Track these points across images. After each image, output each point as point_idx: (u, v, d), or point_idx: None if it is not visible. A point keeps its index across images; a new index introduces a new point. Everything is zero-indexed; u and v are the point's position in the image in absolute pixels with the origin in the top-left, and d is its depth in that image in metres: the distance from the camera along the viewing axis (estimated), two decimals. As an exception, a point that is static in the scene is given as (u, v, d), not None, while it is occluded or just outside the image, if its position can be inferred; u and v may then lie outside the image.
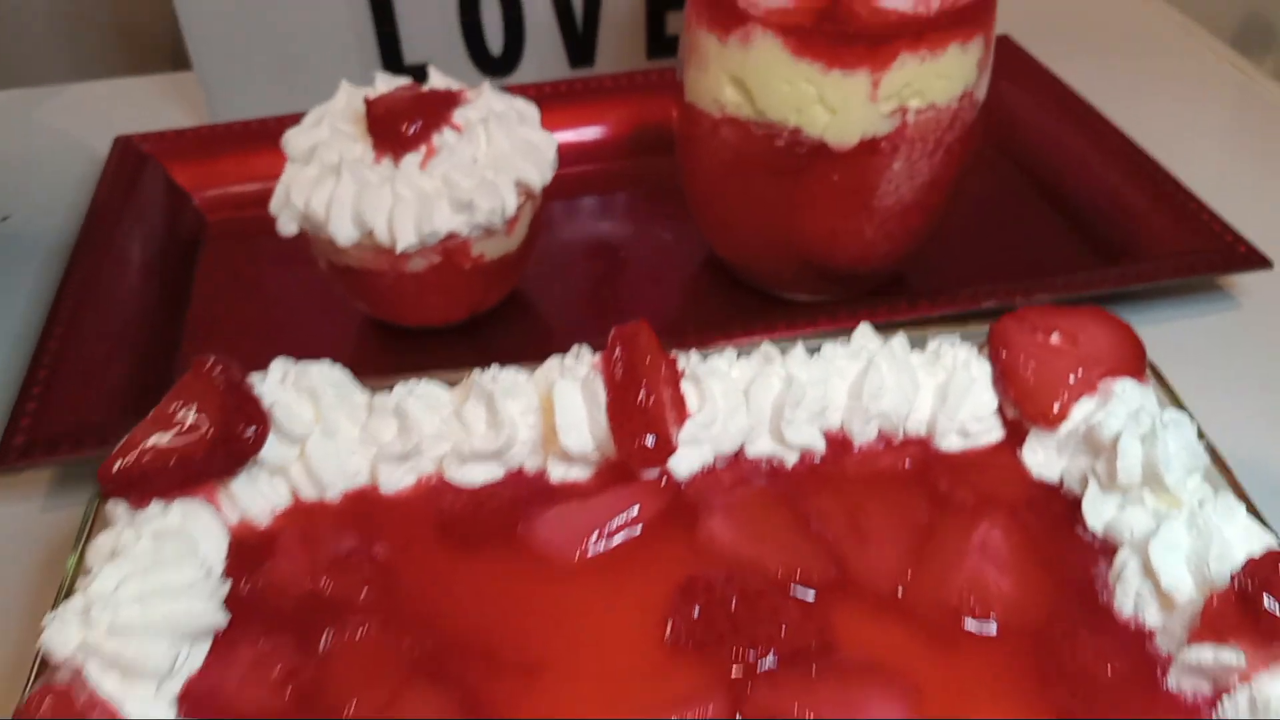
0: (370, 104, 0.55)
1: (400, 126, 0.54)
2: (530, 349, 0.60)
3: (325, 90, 0.78)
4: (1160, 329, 0.58)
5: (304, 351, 0.60)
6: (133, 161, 0.72)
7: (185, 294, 0.66)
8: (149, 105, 0.85)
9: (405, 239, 0.53)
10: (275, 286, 0.66)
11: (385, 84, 0.59)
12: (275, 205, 0.56)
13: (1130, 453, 0.38)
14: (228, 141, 0.74)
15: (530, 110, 0.60)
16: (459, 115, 0.56)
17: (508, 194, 0.55)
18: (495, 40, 0.80)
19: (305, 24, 0.77)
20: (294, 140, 0.57)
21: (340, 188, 0.54)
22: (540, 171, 0.56)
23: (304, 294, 0.64)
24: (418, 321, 0.61)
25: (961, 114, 0.54)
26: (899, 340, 0.44)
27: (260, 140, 0.72)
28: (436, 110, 0.56)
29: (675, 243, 0.69)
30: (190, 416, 0.37)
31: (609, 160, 0.76)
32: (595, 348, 0.59)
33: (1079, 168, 0.70)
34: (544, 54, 0.81)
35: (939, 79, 0.52)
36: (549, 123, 0.74)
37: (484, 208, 0.54)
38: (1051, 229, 0.68)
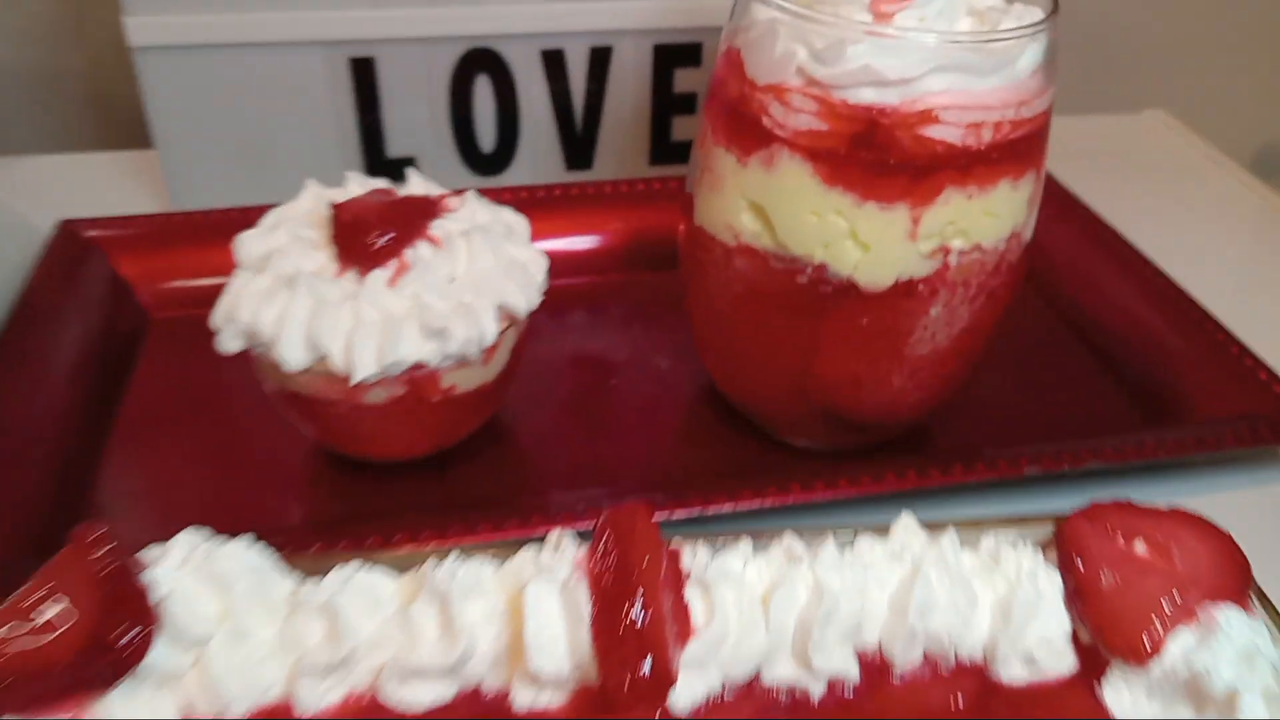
0: (337, 210, 0.48)
1: (368, 237, 0.47)
2: (504, 490, 0.53)
3: (299, 182, 0.72)
4: (1213, 501, 0.51)
5: (242, 483, 0.53)
6: (75, 247, 0.65)
7: (113, 405, 0.58)
8: (107, 184, 0.78)
9: (364, 368, 0.45)
10: (218, 401, 0.58)
11: (358, 186, 0.52)
12: (218, 317, 0.49)
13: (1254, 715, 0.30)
14: (182, 232, 0.67)
15: (519, 223, 0.53)
16: (437, 227, 0.50)
17: (487, 320, 0.47)
18: (487, 137, 0.74)
19: (283, 106, 0.70)
20: (247, 245, 0.50)
21: (294, 304, 0.46)
22: (527, 295, 0.49)
23: (251, 412, 0.56)
24: (375, 455, 0.53)
25: (1008, 255, 0.48)
26: (949, 540, 0.36)
27: (218, 232, 0.64)
28: (412, 220, 0.49)
29: (673, 371, 0.62)
30: (55, 610, 0.29)
31: (604, 273, 0.69)
32: (577, 488, 0.53)
33: (1118, 309, 0.63)
34: (539, 155, 0.75)
35: (986, 217, 0.45)
36: (541, 229, 0.68)
37: (458, 336, 0.46)
38: (1088, 375, 0.62)
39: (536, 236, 0.67)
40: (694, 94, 0.75)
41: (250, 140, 0.71)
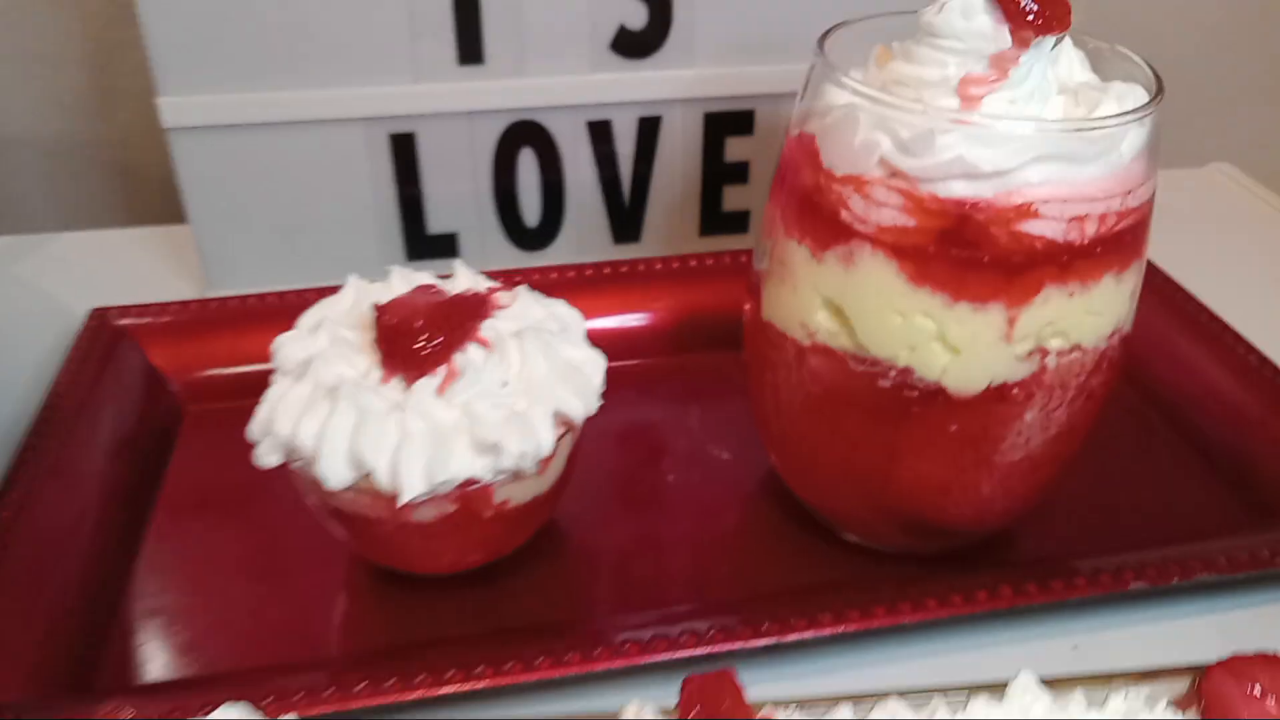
0: (380, 312, 0.45)
1: (414, 342, 0.44)
2: (558, 605, 0.49)
3: (338, 259, 0.70)
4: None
5: (280, 597, 0.49)
6: (107, 336, 0.63)
7: (145, 511, 0.55)
8: (140, 263, 0.76)
9: (411, 488, 0.42)
10: (255, 503, 0.55)
11: (401, 282, 0.49)
12: (255, 430, 0.45)
13: None
14: (218, 319, 0.64)
15: (574, 319, 0.50)
16: (488, 328, 0.46)
17: (543, 430, 0.44)
18: (532, 211, 0.71)
19: (321, 185, 0.68)
20: (285, 350, 0.47)
21: (335, 416, 0.43)
22: (584, 400, 0.46)
23: (290, 515, 0.53)
24: (421, 570, 0.49)
25: (1109, 353, 0.44)
26: (1077, 705, 0.32)
27: (255, 320, 0.63)
28: (460, 321, 0.46)
29: (733, 462, 0.58)
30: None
31: (656, 355, 0.66)
32: (637, 602, 0.49)
33: (1215, 395, 0.59)
34: (585, 228, 0.72)
35: (1088, 316, 0.42)
36: (590, 307, 0.65)
37: (513, 450, 0.43)
38: (1185, 467, 0.57)
39: (584, 316, 0.66)
40: (746, 162, 0.71)
41: (288, 219, 0.69)
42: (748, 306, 0.50)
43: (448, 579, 0.50)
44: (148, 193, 0.93)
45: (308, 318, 0.49)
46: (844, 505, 0.50)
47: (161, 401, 0.62)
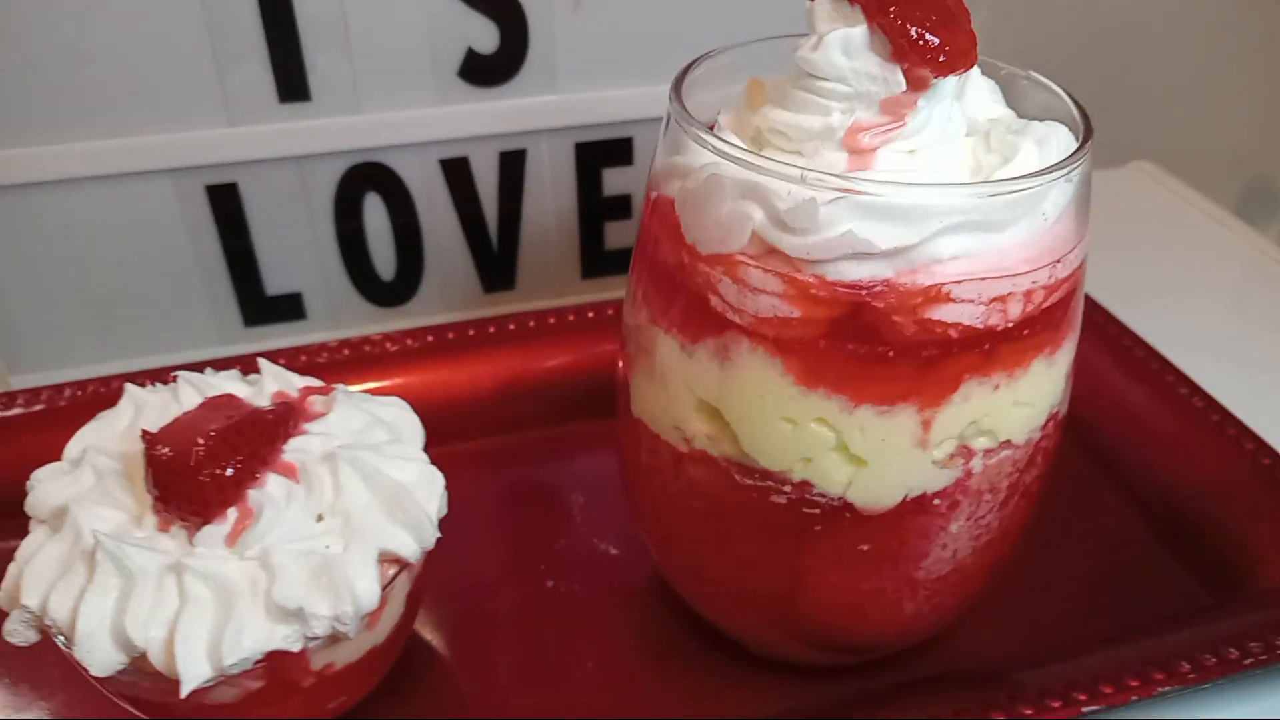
0: (149, 441, 0.36)
1: (194, 483, 0.35)
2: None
3: (166, 332, 0.60)
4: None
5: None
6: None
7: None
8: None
9: (194, 673, 0.33)
10: (59, 659, 0.45)
11: (190, 390, 0.40)
12: (3, 598, 0.36)
13: None
14: (14, 423, 0.54)
15: (407, 425, 0.41)
16: (294, 449, 0.37)
17: (363, 581, 0.35)
18: (385, 263, 0.62)
19: (133, 247, 0.58)
20: (39, 491, 0.38)
21: (94, 585, 0.34)
22: (418, 533, 0.37)
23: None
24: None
25: (1043, 443, 0.36)
26: None
27: (58, 419, 0.53)
28: (256, 446, 0.37)
29: (622, 559, 0.50)
30: None
31: (535, 427, 0.57)
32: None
33: (1155, 441, 0.52)
34: (450, 278, 0.63)
35: (1017, 409, 0.34)
36: (453, 374, 0.57)
37: (323, 614, 0.34)
38: (1132, 533, 0.50)
39: (449, 384, 0.57)
40: (628, 195, 0.63)
41: (101, 290, 0.59)
42: (619, 389, 0.41)
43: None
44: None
45: (73, 445, 0.40)
46: (744, 624, 0.42)
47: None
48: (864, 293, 0.31)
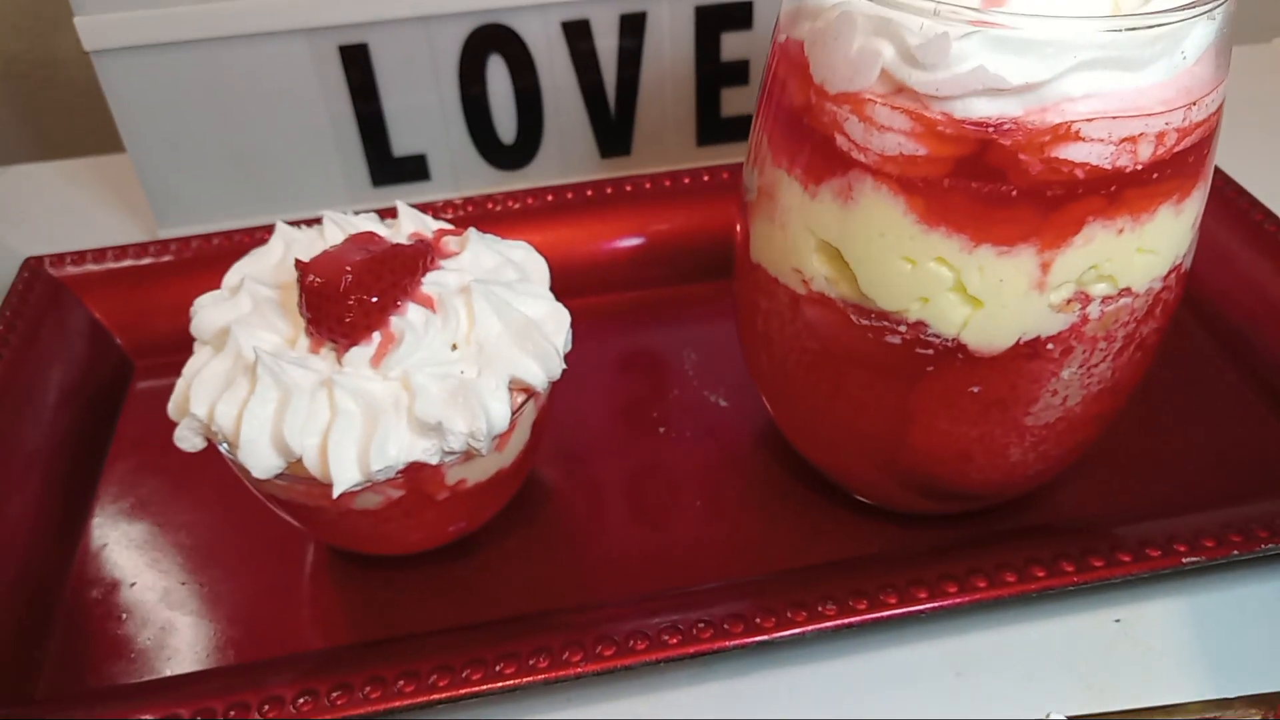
0: (303, 271, 0.39)
1: (343, 307, 0.38)
2: (544, 579, 0.44)
3: (299, 189, 0.63)
4: None
5: (239, 583, 0.45)
6: (44, 289, 0.57)
7: (91, 483, 0.50)
8: (86, 197, 0.70)
9: (345, 477, 0.36)
10: (210, 475, 0.49)
11: (335, 228, 0.43)
12: (173, 409, 0.40)
13: None
14: (165, 267, 0.58)
15: (535, 266, 0.44)
16: (431, 283, 0.40)
17: (496, 404, 0.38)
18: (507, 127, 0.63)
19: (269, 107, 0.61)
20: (203, 315, 0.41)
21: (257, 395, 0.37)
22: (545, 364, 0.40)
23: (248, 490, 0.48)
24: (383, 552, 0.44)
25: (1164, 295, 0.36)
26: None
27: (206, 264, 0.57)
28: (397, 277, 0.39)
29: (732, 410, 0.52)
30: None
31: (649, 286, 0.59)
32: (629, 577, 0.43)
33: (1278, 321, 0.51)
34: (569, 143, 0.64)
35: (1140, 255, 0.34)
36: (572, 234, 0.59)
37: (460, 430, 0.37)
38: (1246, 408, 0.50)
39: (568, 243, 0.59)
40: (746, 61, 0.63)
41: (238, 147, 0.62)
42: (737, 241, 0.43)
43: (418, 556, 0.45)
44: (86, 122, 0.86)
45: (232, 273, 0.43)
46: (852, 468, 0.44)
47: (109, 360, 0.57)
48: (991, 130, 0.31)
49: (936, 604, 0.38)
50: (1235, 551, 0.39)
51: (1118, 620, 0.41)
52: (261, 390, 0.37)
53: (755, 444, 0.50)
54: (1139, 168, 0.32)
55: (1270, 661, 0.39)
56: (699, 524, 0.46)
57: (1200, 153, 0.34)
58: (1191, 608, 0.41)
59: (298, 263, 0.39)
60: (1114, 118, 0.31)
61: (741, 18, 0.61)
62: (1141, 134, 0.32)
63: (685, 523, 0.46)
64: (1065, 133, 0.31)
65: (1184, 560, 0.39)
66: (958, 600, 0.38)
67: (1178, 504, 0.44)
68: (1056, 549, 0.40)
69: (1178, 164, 0.33)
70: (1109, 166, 0.32)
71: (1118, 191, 0.32)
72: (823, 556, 0.44)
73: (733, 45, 0.62)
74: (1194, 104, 0.32)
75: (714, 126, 0.65)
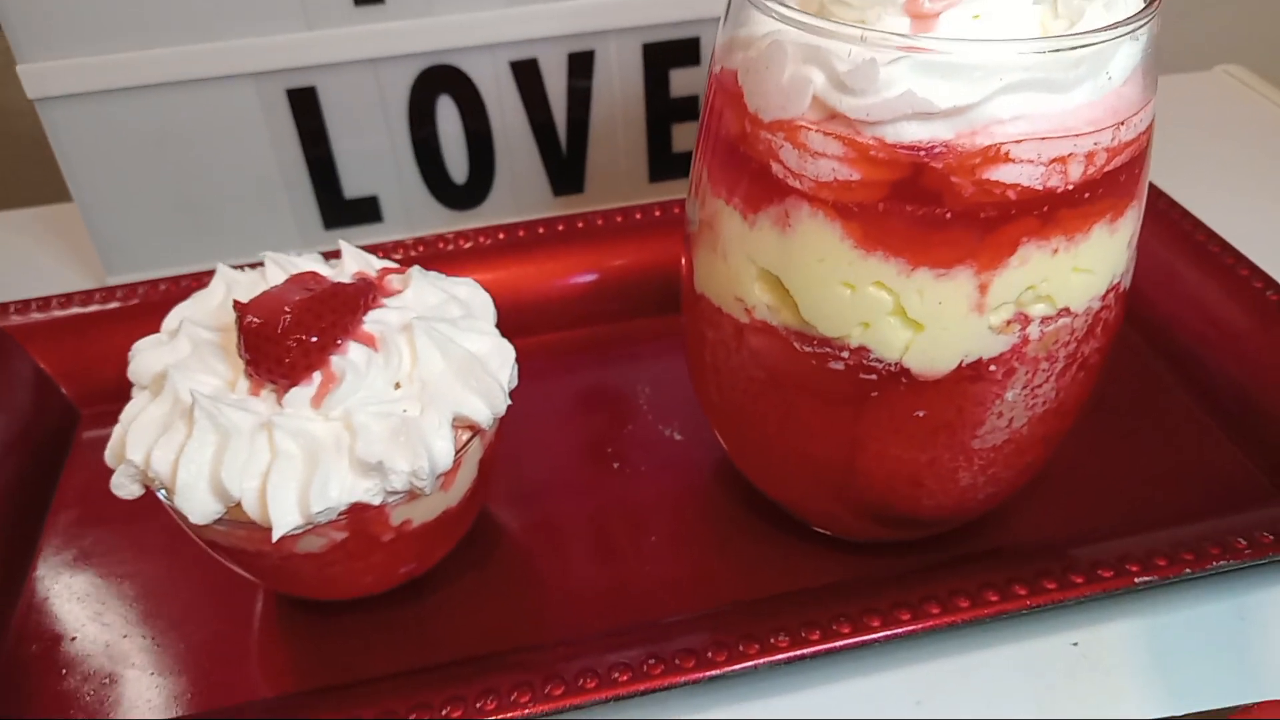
0: (241, 311, 0.38)
1: (282, 348, 0.37)
2: (496, 620, 0.43)
3: (250, 234, 0.63)
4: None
5: (186, 630, 0.44)
6: (-14, 340, 0.56)
7: (36, 529, 0.49)
8: (33, 246, 0.69)
9: (285, 520, 0.36)
10: (156, 523, 0.48)
11: (277, 270, 0.42)
12: (110, 455, 0.39)
13: None
14: (111, 314, 0.57)
15: (479, 302, 0.43)
16: (373, 320, 0.39)
17: (439, 441, 0.37)
18: (458, 166, 0.63)
19: (218, 152, 0.60)
20: (140, 359, 0.40)
21: (193, 441, 0.37)
22: (490, 400, 0.39)
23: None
24: (331, 596, 0.43)
25: (1104, 314, 0.37)
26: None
27: (154, 310, 0.55)
28: (338, 316, 0.39)
29: (686, 444, 0.51)
30: None
31: (602, 322, 0.59)
32: (584, 615, 0.42)
33: (1228, 341, 0.52)
34: (521, 181, 0.65)
35: (1076, 274, 0.35)
36: (525, 271, 0.58)
37: (401, 469, 0.36)
38: (1194, 426, 0.50)
39: (522, 281, 0.59)
40: (695, 97, 0.64)
41: (186, 193, 0.62)
42: (683, 273, 0.43)
43: (367, 600, 0.44)
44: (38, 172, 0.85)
45: (170, 318, 0.42)
46: (805, 498, 0.44)
47: (53, 408, 0.56)
48: (923, 154, 0.31)
49: (890, 632, 0.38)
50: (1188, 570, 0.39)
51: (1075, 643, 0.41)
52: (199, 434, 0.37)
53: (711, 477, 0.49)
54: (1070, 187, 0.32)
55: (1228, 677, 0.39)
56: (655, 560, 0.46)
57: (1132, 171, 0.34)
58: (1148, 628, 0.41)
59: (236, 304, 0.38)
60: (1043, 139, 0.31)
61: (689, 54, 0.62)
62: (1071, 154, 0.32)
63: (641, 559, 0.46)
64: (995, 154, 0.31)
65: (1136, 580, 0.39)
66: (912, 628, 0.38)
67: (1132, 524, 0.43)
68: (1010, 573, 0.40)
69: (1109, 183, 0.33)
70: (1040, 187, 0.32)
71: (1050, 212, 0.33)
72: (781, 588, 0.43)
73: (681, 81, 0.63)
74: (1122, 124, 0.33)
75: (666, 162, 0.66)
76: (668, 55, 0.61)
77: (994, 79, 0.30)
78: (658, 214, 0.60)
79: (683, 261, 0.42)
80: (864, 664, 0.40)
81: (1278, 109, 0.78)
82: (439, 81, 0.60)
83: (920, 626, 0.38)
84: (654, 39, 0.60)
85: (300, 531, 0.36)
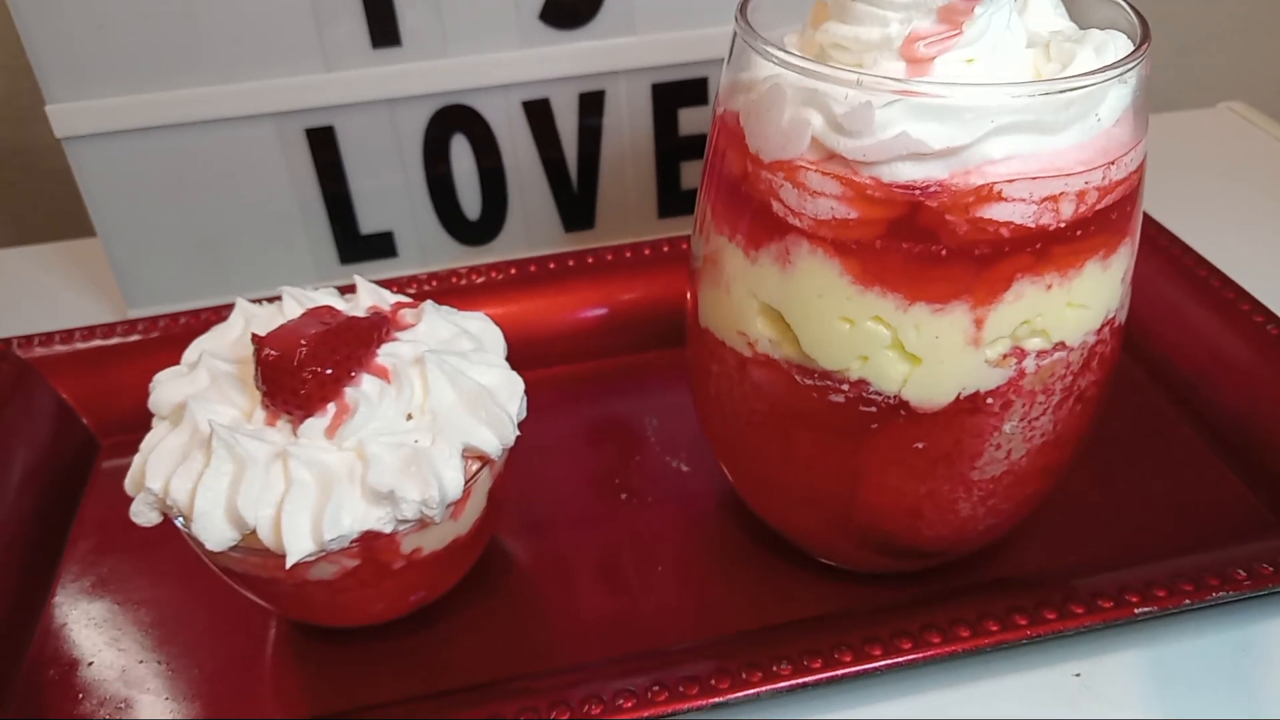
0: (258, 344, 0.39)
1: (298, 378, 0.38)
2: (505, 648, 0.44)
3: (268, 269, 0.64)
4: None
5: (199, 657, 0.45)
6: (9, 371, 0.57)
7: (55, 557, 0.50)
8: (51, 281, 0.71)
9: (298, 547, 0.37)
10: (172, 551, 0.50)
11: (294, 305, 0.44)
12: (130, 484, 0.40)
13: None
14: (132, 347, 0.58)
15: (490, 336, 0.44)
16: (386, 354, 0.41)
17: (449, 471, 0.38)
18: (472, 203, 0.65)
19: (237, 188, 0.62)
20: (161, 391, 0.42)
21: (210, 470, 0.38)
22: (499, 431, 0.40)
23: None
24: (342, 623, 0.44)
25: (1099, 348, 0.37)
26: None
27: (174, 343, 0.56)
28: (352, 349, 0.40)
29: (693, 475, 0.52)
30: None
31: (610, 355, 0.60)
32: (591, 642, 0.43)
33: (1230, 374, 0.52)
34: (533, 218, 0.66)
35: (1071, 310, 0.35)
36: (536, 306, 0.60)
37: (412, 498, 0.37)
38: (1196, 458, 0.51)
39: (533, 315, 0.60)
40: (703, 135, 0.65)
41: (206, 229, 0.63)
42: (688, 308, 0.44)
43: (379, 627, 0.44)
44: (63, 207, 0.87)
45: (191, 351, 0.43)
46: (808, 528, 0.44)
47: (74, 438, 0.57)
48: (918, 193, 0.33)
49: (891, 661, 0.38)
50: (1187, 601, 0.40)
51: (1078, 674, 0.41)
52: (216, 463, 0.38)
53: (717, 508, 0.50)
54: (1063, 225, 0.33)
55: (1230, 708, 0.39)
56: (662, 590, 0.46)
57: (1124, 209, 0.35)
58: (1151, 659, 0.42)
59: (254, 336, 0.40)
60: (1034, 178, 0.32)
61: (697, 94, 0.63)
62: (1062, 193, 0.33)
63: (648, 589, 0.46)
64: (988, 193, 0.32)
65: (1136, 611, 0.39)
66: (913, 657, 0.39)
67: (1133, 555, 0.44)
68: (1011, 602, 0.40)
69: (1101, 221, 0.34)
70: (1033, 225, 0.33)
71: (1044, 249, 0.34)
72: (784, 617, 0.44)
73: (690, 120, 0.64)
74: (1113, 163, 0.34)
75: (674, 199, 0.67)
76: (676, 95, 0.63)
77: (986, 121, 0.32)
78: (666, 249, 0.61)
79: (688, 296, 0.43)
80: (865, 693, 0.41)
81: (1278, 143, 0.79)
82: (453, 121, 0.61)
83: (921, 656, 0.39)
84: (663, 79, 0.62)
85: (313, 559, 0.37)
